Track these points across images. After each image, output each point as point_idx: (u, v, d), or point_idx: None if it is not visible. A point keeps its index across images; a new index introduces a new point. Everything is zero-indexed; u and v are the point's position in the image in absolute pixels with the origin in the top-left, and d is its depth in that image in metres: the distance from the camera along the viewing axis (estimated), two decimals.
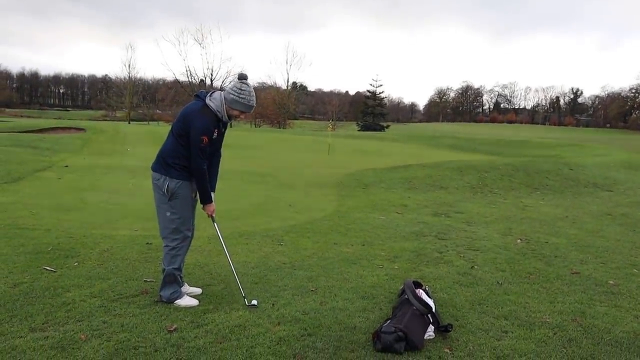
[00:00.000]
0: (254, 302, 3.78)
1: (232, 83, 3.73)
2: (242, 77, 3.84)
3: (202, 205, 3.81)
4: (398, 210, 8.32)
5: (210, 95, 3.84)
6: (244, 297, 3.87)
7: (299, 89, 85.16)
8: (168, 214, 3.75)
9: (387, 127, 77.24)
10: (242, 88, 3.86)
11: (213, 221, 3.92)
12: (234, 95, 3.87)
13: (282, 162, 17.14)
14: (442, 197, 10.01)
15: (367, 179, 12.14)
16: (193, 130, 3.61)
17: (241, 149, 24.51)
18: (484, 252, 5.53)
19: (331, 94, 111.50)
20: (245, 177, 12.12)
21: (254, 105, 3.71)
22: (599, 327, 3.66)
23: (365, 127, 78.81)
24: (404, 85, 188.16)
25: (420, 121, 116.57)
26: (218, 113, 3.82)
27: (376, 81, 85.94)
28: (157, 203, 3.77)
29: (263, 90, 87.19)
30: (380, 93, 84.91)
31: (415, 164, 15.30)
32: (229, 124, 3.83)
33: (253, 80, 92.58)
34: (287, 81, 77.22)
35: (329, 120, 79.81)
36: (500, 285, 4.49)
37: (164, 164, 3.73)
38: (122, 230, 5.93)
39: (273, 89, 78.85)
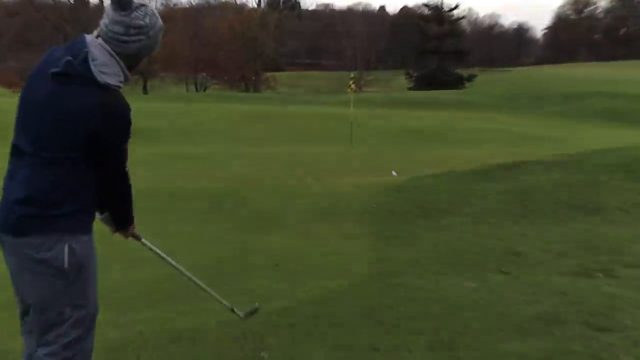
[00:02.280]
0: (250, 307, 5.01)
1: (121, 25, 4.03)
2: (126, 3, 4.03)
3: (113, 231, 4.53)
4: (503, 267, 8.28)
5: (91, 48, 4.00)
6: (232, 309, 4.91)
7: (285, 8, 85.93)
8: (68, 310, 4.06)
9: (471, 78, 77.55)
10: (147, 21, 4.12)
11: (138, 238, 4.75)
12: (142, 40, 4.11)
13: (254, 168, 17.36)
14: (595, 230, 10.01)
15: (430, 196, 12.32)
16: (113, 133, 4.02)
17: (166, 141, 24.76)
18: None
19: (351, 15, 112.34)
20: (179, 203, 12.26)
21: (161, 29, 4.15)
22: None
23: (423, 81, 79.20)
24: None
25: (539, 63, 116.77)
26: (122, 84, 4.06)
27: None
28: (42, 296, 4.06)
29: (208, 12, 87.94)
30: (452, 9, 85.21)
31: (534, 160, 15.42)
32: None
33: None
34: None
35: (348, 71, 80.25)
36: None
37: (48, 218, 3.98)
38: None
39: (230, 9, 79.60)
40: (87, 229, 4.09)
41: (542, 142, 25.47)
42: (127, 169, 4.20)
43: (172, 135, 26.08)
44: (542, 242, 9.48)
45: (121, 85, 4.04)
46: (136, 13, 4.00)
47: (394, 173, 22.05)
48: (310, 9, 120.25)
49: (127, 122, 4.02)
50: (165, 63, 77.09)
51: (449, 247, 9.25)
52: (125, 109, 4.02)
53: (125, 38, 3.99)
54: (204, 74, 79.71)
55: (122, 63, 4.01)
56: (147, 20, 4.04)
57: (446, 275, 7.95)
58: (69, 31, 63.53)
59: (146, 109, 31.27)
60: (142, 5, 4.04)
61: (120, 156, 4.09)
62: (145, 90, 72.77)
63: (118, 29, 3.97)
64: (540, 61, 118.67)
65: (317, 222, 10.83)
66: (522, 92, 51.10)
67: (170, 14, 76.24)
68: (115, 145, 4.01)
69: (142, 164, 19.05)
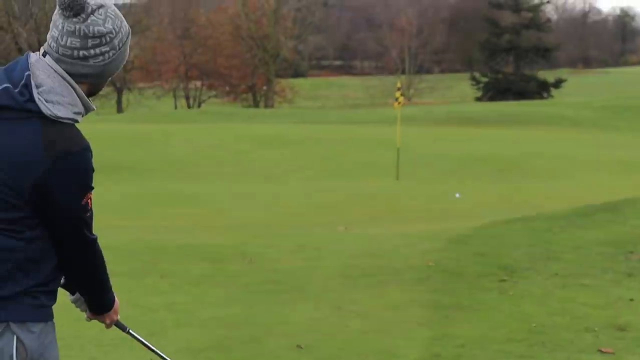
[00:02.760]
0: None
1: (77, 36, 3.92)
2: (77, 6, 3.86)
3: (89, 316, 4.43)
4: (602, 345, 8.30)
5: (34, 71, 3.93)
6: None
7: None
8: None
9: (559, 84, 77.41)
10: (109, 26, 3.98)
11: (123, 329, 4.64)
12: (106, 52, 4.00)
13: (267, 213, 17.39)
14: None
15: (505, 249, 12.30)
16: (65, 184, 3.93)
17: (149, 178, 24.83)
18: None
19: (397, 2, 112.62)
20: (167, 264, 12.35)
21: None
22: None
23: (494, 88, 79.13)
24: None
25: None
26: (79, 117, 4.01)
27: None
28: None
29: (203, 1, 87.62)
30: None
31: None
32: None
33: None
34: None
35: (393, 77, 79.91)
36: None
37: None
38: None
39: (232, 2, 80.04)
40: (43, 316, 4.01)
41: None
42: (91, 234, 4.05)
43: (157, 170, 26.29)
44: None
45: (77, 118, 3.97)
46: (93, 17, 3.91)
47: (457, 195, 22.16)
48: None
49: (85, 168, 3.93)
50: (145, 71, 77.63)
51: (529, 319, 9.23)
52: (82, 149, 3.92)
53: (83, 53, 3.94)
54: (198, 84, 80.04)
55: (79, 89, 3.97)
56: (109, 25, 3.96)
57: (526, 359, 7.97)
58: (19, 32, 64.21)
59: (121, 134, 31.61)
60: (100, 6, 3.95)
61: (79, 216, 3.97)
62: (119, 108, 73.38)
63: (72, 41, 3.91)
64: None
65: (352, 289, 10.80)
66: (628, 101, 50.99)
67: (151, 6, 76.98)
68: (69, 201, 3.90)
69: (116, 209, 19.25)
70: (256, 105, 75.61)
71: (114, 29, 3.94)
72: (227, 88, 78.93)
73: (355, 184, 22.38)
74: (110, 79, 4.18)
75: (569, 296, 10.10)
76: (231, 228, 15.56)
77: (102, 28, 3.88)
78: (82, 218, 3.95)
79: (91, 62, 3.93)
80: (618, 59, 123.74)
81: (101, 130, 35.67)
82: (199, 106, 76.27)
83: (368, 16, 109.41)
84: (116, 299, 4.46)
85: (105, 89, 75.53)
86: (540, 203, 18.07)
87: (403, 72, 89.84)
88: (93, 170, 3.97)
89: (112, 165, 27.40)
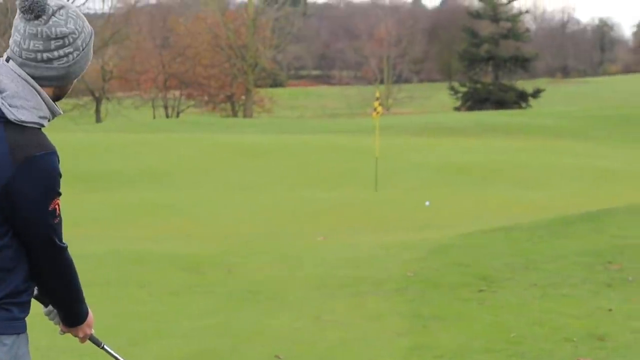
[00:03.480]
0: None
1: (40, 38, 3.90)
2: (38, 8, 3.81)
3: (62, 329, 4.34)
4: (582, 355, 8.33)
5: None
6: None
7: (284, 2, 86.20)
8: None
9: (538, 94, 77.78)
10: (70, 27, 3.95)
11: (98, 344, 4.58)
12: (69, 53, 3.98)
13: (246, 223, 17.39)
14: None
15: (484, 259, 12.33)
16: (30, 189, 3.89)
17: (128, 187, 24.81)
18: None
19: (375, 11, 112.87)
20: (145, 273, 12.35)
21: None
22: None
23: (473, 98, 79.39)
24: None
25: (628, 70, 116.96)
26: (44, 121, 3.97)
27: None
28: None
29: (181, 11, 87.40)
30: (510, 0, 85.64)
31: (624, 207, 15.40)
32: None
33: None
34: None
35: (372, 86, 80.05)
36: None
37: None
38: None
39: (211, 7, 79.88)
40: (14, 328, 3.97)
41: (635, 181, 25.54)
42: (61, 242, 4.00)
43: (135, 179, 26.25)
44: (635, 320, 9.47)
45: (43, 122, 3.94)
46: (55, 19, 3.89)
47: (427, 203, 22.25)
48: (319, 2, 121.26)
49: (51, 172, 3.86)
50: (124, 80, 77.54)
51: (508, 329, 9.26)
52: (48, 153, 3.86)
53: (46, 55, 3.91)
54: (177, 94, 79.95)
55: (44, 92, 3.94)
56: (70, 25, 3.93)
57: None
58: None
59: (100, 144, 31.57)
60: (61, 7, 3.93)
61: (47, 222, 3.90)
62: (98, 118, 73.24)
63: (35, 44, 3.90)
64: (629, 69, 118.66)
65: (331, 299, 10.82)
66: (606, 111, 51.25)
67: (130, 15, 76.87)
68: (36, 206, 3.84)
69: (94, 219, 19.23)
70: (235, 115, 75.60)
71: (76, 29, 3.93)
72: (206, 98, 78.90)
73: (334, 194, 22.40)
74: (75, 80, 4.12)
75: (548, 306, 10.13)
76: (210, 238, 15.56)
77: (64, 29, 3.87)
78: (50, 224, 3.90)
79: (55, 64, 3.92)
80: (597, 69, 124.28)
81: (79, 140, 35.62)
82: (178, 116, 76.20)
83: (347, 26, 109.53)
84: (90, 312, 4.39)
85: (84, 99, 75.70)
86: (519, 213, 18.11)
87: (382, 82, 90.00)
88: (60, 175, 3.91)
89: (91, 175, 27.36)
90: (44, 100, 3.93)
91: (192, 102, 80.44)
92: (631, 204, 16.27)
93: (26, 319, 4.10)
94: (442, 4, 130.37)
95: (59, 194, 3.90)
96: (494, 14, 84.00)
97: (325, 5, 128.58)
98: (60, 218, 3.98)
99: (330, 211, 19.26)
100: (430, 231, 15.75)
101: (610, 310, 9.91)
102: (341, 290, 11.27)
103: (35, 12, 3.87)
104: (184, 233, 16.24)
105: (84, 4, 72.43)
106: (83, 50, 3.96)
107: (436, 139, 38.06)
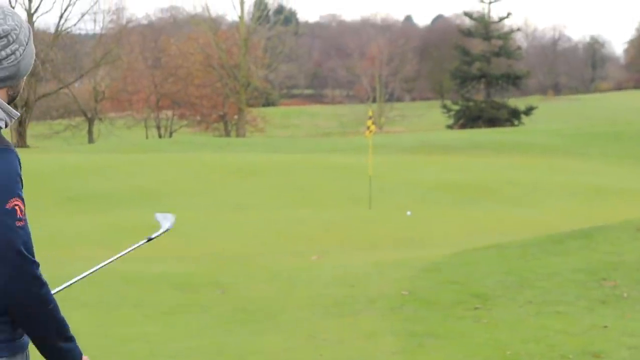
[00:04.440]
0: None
1: None
2: None
3: None
4: None
5: None
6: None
7: (275, 22, 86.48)
8: None
9: (530, 111, 77.98)
10: (11, 22, 3.91)
11: None
12: (16, 50, 3.81)
13: (239, 242, 17.36)
14: None
15: (477, 277, 12.34)
16: None
17: (119, 207, 24.80)
18: None
19: (367, 29, 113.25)
20: (137, 293, 12.34)
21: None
22: None
23: (465, 116, 79.52)
24: (555, 0, 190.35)
25: (619, 87, 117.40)
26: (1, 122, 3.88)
27: None
28: None
29: (173, 30, 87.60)
30: (502, 18, 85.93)
31: (617, 224, 15.43)
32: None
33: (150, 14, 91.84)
34: (242, 5, 78.26)
35: (364, 105, 80.00)
36: None
37: None
38: None
39: (203, 27, 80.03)
40: (11, 349, 3.80)
41: (627, 197, 25.57)
42: (28, 252, 3.71)
43: (128, 200, 26.21)
44: (630, 337, 9.48)
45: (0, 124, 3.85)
46: None
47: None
48: (311, 21, 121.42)
49: (6, 170, 3.74)
50: (116, 100, 77.55)
51: (504, 347, 9.26)
52: (2, 149, 3.76)
53: None
54: (169, 114, 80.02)
55: None
56: (10, 21, 3.89)
57: None
58: None
59: (92, 164, 31.52)
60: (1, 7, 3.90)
61: (4, 222, 3.66)
62: (90, 138, 73.20)
63: None
64: (620, 85, 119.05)
65: (325, 317, 10.82)
66: (598, 127, 51.34)
67: (122, 35, 76.94)
68: None
69: (86, 238, 19.19)
70: (228, 134, 75.62)
71: (15, 25, 3.89)
72: (198, 117, 78.89)
73: (327, 213, 22.38)
74: (24, 78, 3.97)
75: (544, 323, 10.14)
76: (203, 258, 15.55)
77: (5, 26, 3.83)
78: (9, 225, 3.63)
79: (5, 63, 3.87)
80: (588, 86, 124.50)
81: (72, 160, 35.66)
82: (170, 136, 76.15)
83: (338, 45, 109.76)
84: (84, 356, 3.95)
85: (76, 119, 75.71)
86: (512, 230, 18.13)
87: (374, 101, 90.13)
88: (19, 176, 3.78)
89: (83, 196, 27.34)
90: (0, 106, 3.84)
91: (184, 122, 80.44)
92: (624, 220, 16.29)
93: (24, 338, 3.85)
94: (433, 22, 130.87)
95: (17, 195, 3.71)
96: (486, 32, 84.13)
97: (316, 24, 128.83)
98: (26, 225, 3.72)
99: (324, 230, 19.25)
100: (423, 249, 15.76)
101: (605, 327, 9.91)
102: (335, 309, 11.25)
103: None
104: (177, 253, 16.23)
105: (75, 25, 73.01)
106: (27, 44, 3.90)
107: (429, 157, 38.10)
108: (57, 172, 31.45)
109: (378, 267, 13.53)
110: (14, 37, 3.84)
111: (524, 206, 24.49)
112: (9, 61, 3.84)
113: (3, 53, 3.84)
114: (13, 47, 3.84)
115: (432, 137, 52.28)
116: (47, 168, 31.51)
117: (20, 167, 3.83)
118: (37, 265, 3.71)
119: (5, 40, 3.82)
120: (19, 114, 4.02)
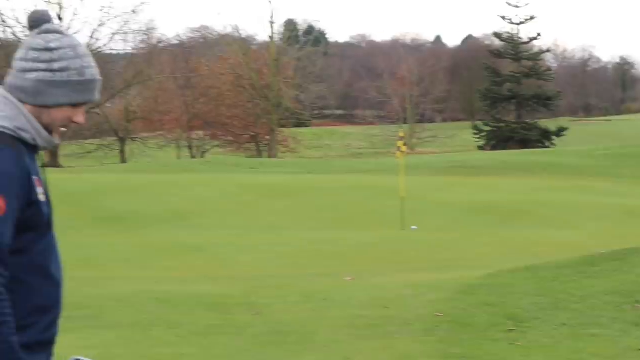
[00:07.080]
0: None
1: (23, 47, 3.90)
2: (42, 22, 3.85)
3: None
4: None
5: None
6: None
7: (305, 42, 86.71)
8: None
9: (561, 132, 77.73)
10: (52, 45, 3.88)
11: None
12: (41, 69, 3.87)
13: (273, 263, 17.36)
14: None
15: (511, 299, 12.30)
16: None
17: (153, 228, 24.87)
18: None
19: (397, 50, 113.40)
20: (172, 314, 12.32)
21: (98, 76, 3.88)
22: None
23: (497, 137, 79.35)
24: (584, 21, 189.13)
25: None
26: (23, 133, 3.85)
27: (517, 8, 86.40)
28: None
29: (204, 50, 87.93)
30: (532, 39, 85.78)
31: None
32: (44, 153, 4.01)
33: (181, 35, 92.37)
34: (272, 25, 78.52)
35: (395, 125, 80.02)
36: None
37: None
38: None
39: (234, 47, 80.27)
40: None
41: None
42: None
43: (161, 220, 26.32)
44: None
45: (19, 132, 3.80)
46: (46, 35, 3.88)
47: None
48: (340, 42, 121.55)
49: None
50: (147, 121, 77.86)
51: None
52: None
53: (22, 65, 3.86)
54: (201, 134, 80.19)
55: (24, 109, 3.83)
56: (53, 44, 3.86)
57: None
58: None
59: (125, 185, 31.65)
60: (59, 32, 3.90)
61: None
62: (123, 158, 73.55)
63: (19, 51, 3.92)
64: None
65: (359, 339, 10.77)
66: (630, 149, 51.11)
67: (153, 56, 77.29)
68: None
69: (119, 259, 19.27)
70: (259, 155, 75.75)
71: (58, 50, 3.87)
72: (230, 138, 79.02)
73: (360, 234, 22.39)
74: (53, 109, 3.80)
75: (579, 346, 10.08)
76: (237, 279, 15.57)
77: (43, 43, 3.81)
78: None
79: (27, 75, 3.83)
80: (619, 107, 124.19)
81: (105, 180, 35.87)
82: (202, 156, 76.33)
83: (369, 65, 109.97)
84: None
85: (108, 139, 76.05)
86: (544, 252, 18.06)
87: (405, 121, 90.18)
88: (7, 174, 3.69)
89: (116, 216, 27.50)
90: (25, 117, 3.79)
91: (216, 143, 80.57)
92: None
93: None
94: (463, 42, 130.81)
95: (2, 194, 3.63)
96: (515, 53, 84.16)
97: (347, 44, 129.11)
98: (5, 220, 3.62)
99: (357, 251, 19.26)
100: (457, 271, 15.71)
101: None
102: (369, 330, 11.23)
103: (31, 23, 3.86)
104: (211, 274, 16.27)
105: (106, 45, 73.40)
106: (56, 74, 3.81)
107: (461, 178, 38.03)
108: (90, 192, 31.65)
109: (412, 288, 13.52)
110: (47, 58, 3.79)
111: (556, 227, 24.38)
112: (31, 75, 3.79)
113: (28, 65, 3.81)
114: (40, 65, 3.79)
115: (464, 158, 52.26)
116: (80, 188, 31.72)
117: (20, 166, 3.74)
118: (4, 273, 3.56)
119: (36, 54, 3.80)
120: (56, 142, 3.97)
